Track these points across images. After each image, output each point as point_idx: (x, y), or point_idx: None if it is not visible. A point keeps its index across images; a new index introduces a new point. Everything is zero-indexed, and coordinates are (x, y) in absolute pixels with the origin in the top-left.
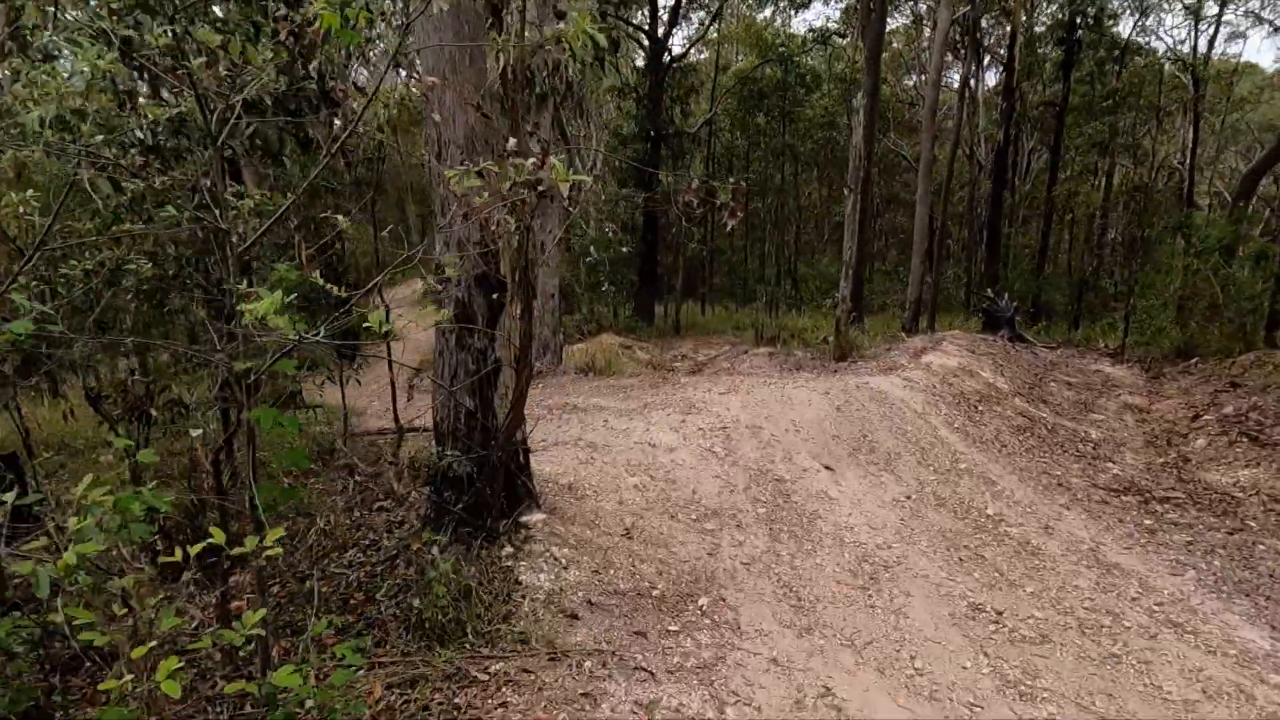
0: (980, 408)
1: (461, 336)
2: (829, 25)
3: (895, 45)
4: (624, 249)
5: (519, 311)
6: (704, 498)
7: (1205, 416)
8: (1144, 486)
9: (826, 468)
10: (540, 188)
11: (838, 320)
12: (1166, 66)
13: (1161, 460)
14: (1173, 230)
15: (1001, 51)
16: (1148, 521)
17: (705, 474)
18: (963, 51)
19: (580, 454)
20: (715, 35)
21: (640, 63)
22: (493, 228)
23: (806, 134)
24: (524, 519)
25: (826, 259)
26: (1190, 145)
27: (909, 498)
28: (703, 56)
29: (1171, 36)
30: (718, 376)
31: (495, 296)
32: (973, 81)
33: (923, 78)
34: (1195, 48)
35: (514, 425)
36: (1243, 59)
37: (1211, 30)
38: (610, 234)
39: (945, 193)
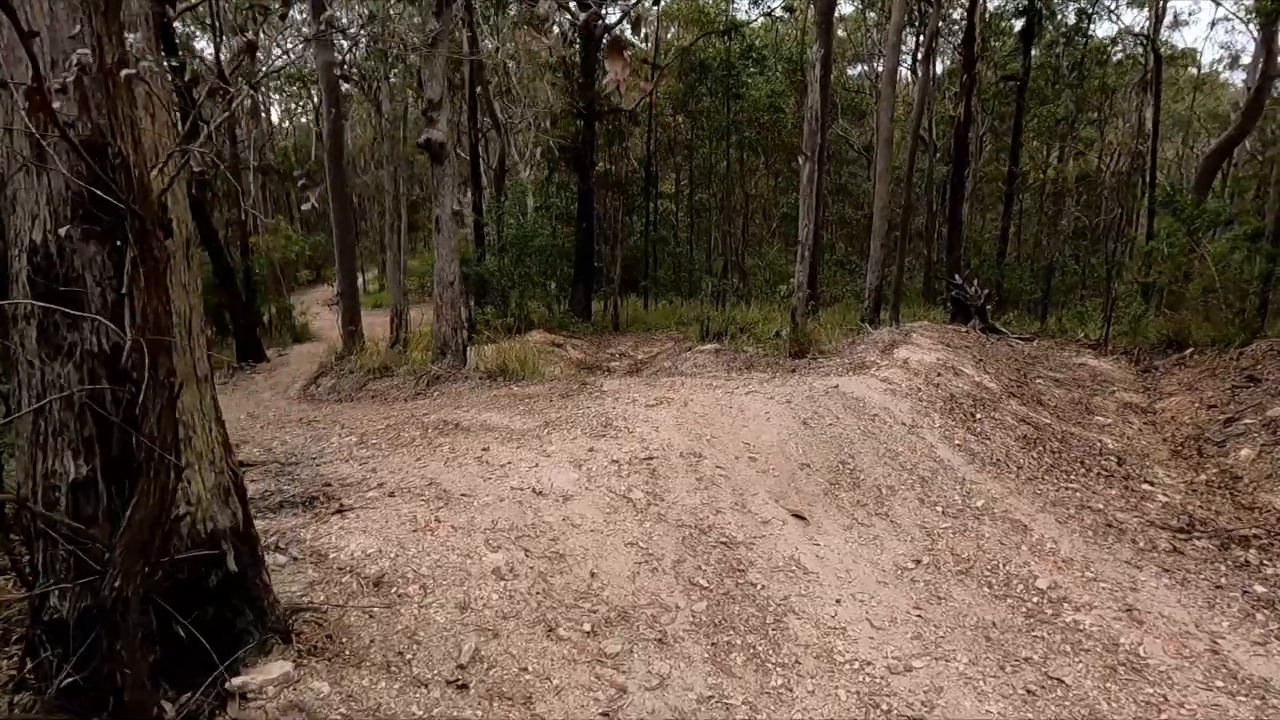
0: (977, 415)
1: (49, 327)
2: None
3: (842, 33)
4: (554, 240)
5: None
6: (608, 585)
7: (1244, 420)
8: (1207, 520)
9: (796, 516)
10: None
11: (793, 310)
12: (1118, 48)
13: (1203, 479)
14: (1165, 206)
15: (959, 17)
16: (1258, 588)
17: (614, 540)
18: (918, 22)
19: (421, 511)
20: (654, 8)
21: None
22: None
23: (753, 117)
24: (244, 679)
25: (775, 250)
26: (1152, 123)
27: (919, 562)
28: (640, 37)
29: (1122, 20)
30: (656, 379)
31: (123, 244)
32: (925, 54)
33: (868, 67)
34: (1157, 15)
35: (149, 525)
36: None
37: (1161, 5)
38: (541, 216)
39: (910, 169)
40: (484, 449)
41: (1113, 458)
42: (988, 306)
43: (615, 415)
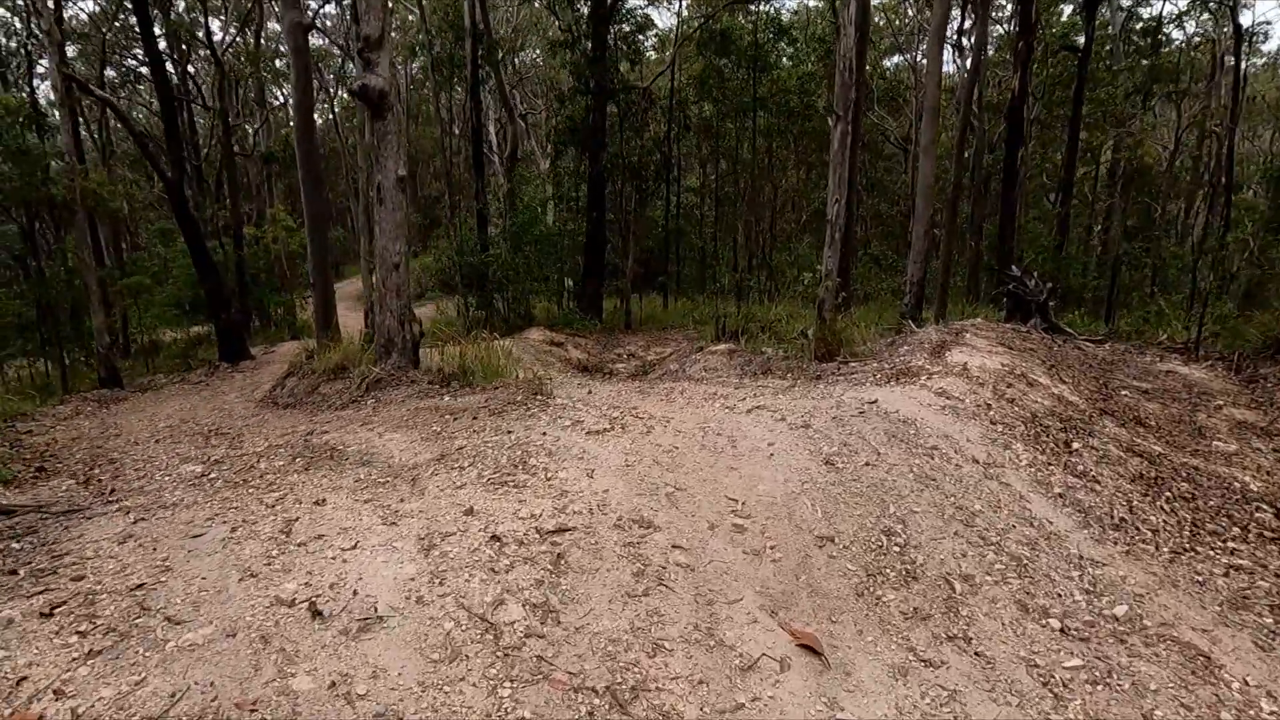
0: (1073, 444)
1: None
2: None
3: (877, 20)
4: (558, 231)
5: None
6: None
7: None
8: None
9: (806, 647)
10: None
11: (820, 303)
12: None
13: None
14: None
15: None
16: None
17: None
18: None
19: (63, 656)
20: None
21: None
22: None
23: (782, 100)
24: None
25: (804, 245)
26: (1231, 100)
27: None
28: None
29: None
30: (653, 385)
31: None
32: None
33: (906, 58)
34: None
35: None
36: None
37: None
38: (551, 205)
39: (961, 140)
40: (318, 502)
41: (1266, 507)
42: (1050, 303)
43: (541, 445)
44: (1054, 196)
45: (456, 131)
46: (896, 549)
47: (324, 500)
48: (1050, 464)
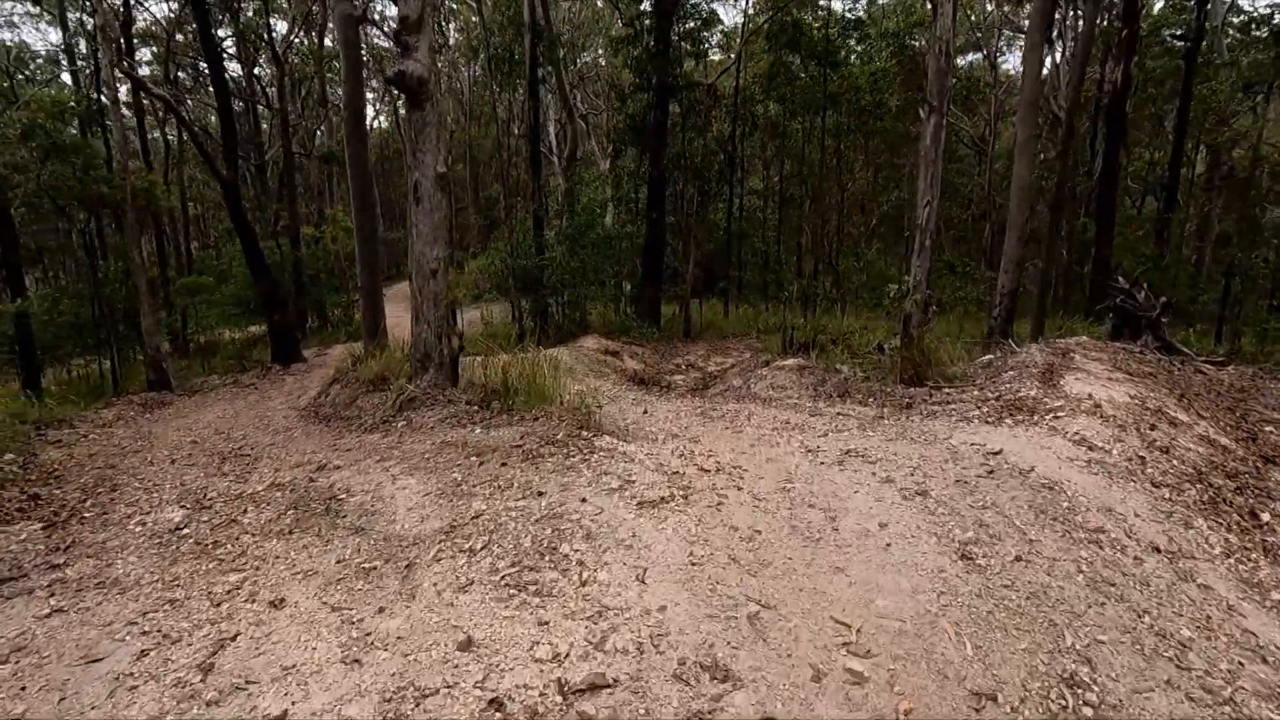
0: (1259, 513)
1: None
2: None
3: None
4: (617, 233)
5: None
6: None
7: None
8: None
9: None
10: None
11: (906, 318)
12: None
13: None
14: None
15: None
16: None
17: None
18: None
19: None
20: None
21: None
22: None
23: (852, 98)
24: None
25: (874, 251)
26: None
27: None
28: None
29: None
30: (715, 406)
31: None
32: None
33: (983, 55)
34: None
35: None
36: None
37: None
38: (610, 206)
39: (1069, 130)
40: (275, 603)
41: None
42: (1164, 319)
43: (578, 521)
44: (1139, 200)
45: (516, 132)
46: (1089, 712)
47: (283, 601)
48: (1247, 549)
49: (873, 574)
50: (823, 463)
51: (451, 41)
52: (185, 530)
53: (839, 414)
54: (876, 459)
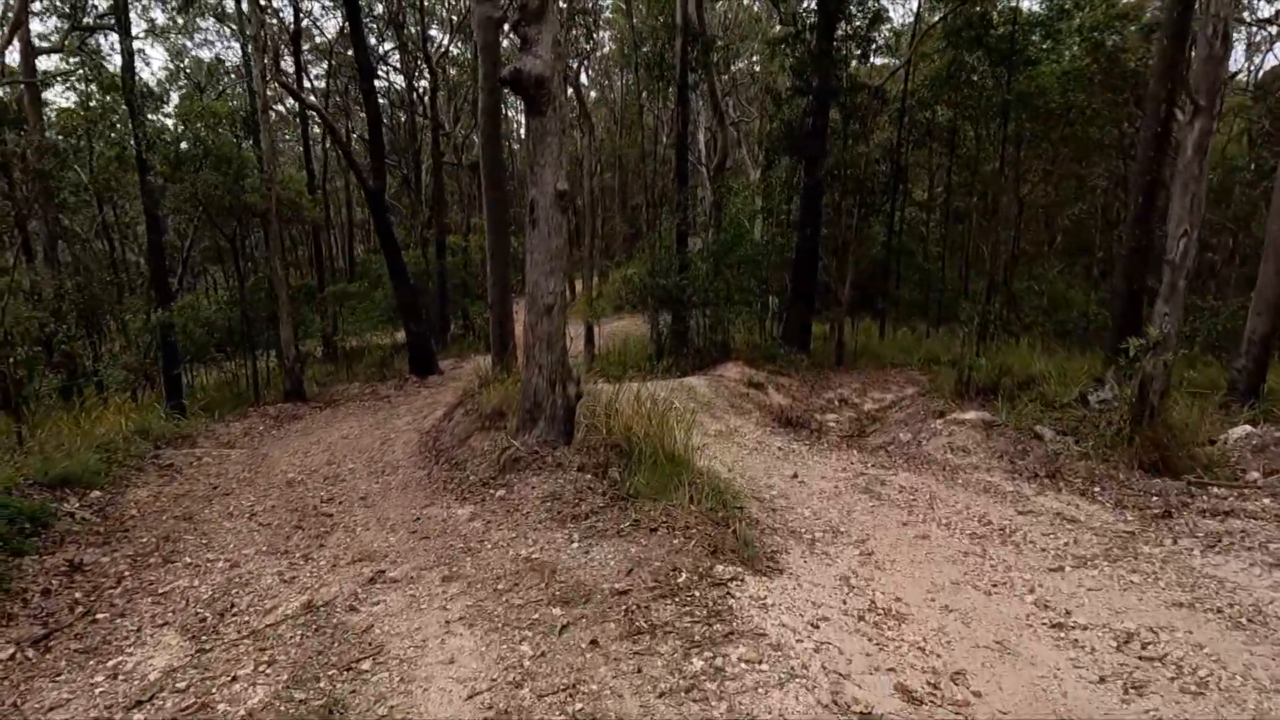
0: None
1: None
2: None
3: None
4: (765, 250)
5: None
6: None
7: None
8: None
9: None
10: None
11: (1144, 384)
12: None
13: None
14: None
15: None
16: None
17: None
18: None
19: None
20: None
21: None
22: None
23: (1040, 101)
24: None
25: (1055, 271)
26: None
27: None
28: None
29: None
30: (881, 480)
31: None
32: None
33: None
34: None
35: None
36: None
37: None
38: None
39: None
40: None
41: None
42: None
43: None
44: None
45: (664, 140)
46: None
47: None
48: None
49: None
50: (1101, 677)
51: (607, 50)
52: (156, 697)
53: (1061, 516)
54: (1183, 665)
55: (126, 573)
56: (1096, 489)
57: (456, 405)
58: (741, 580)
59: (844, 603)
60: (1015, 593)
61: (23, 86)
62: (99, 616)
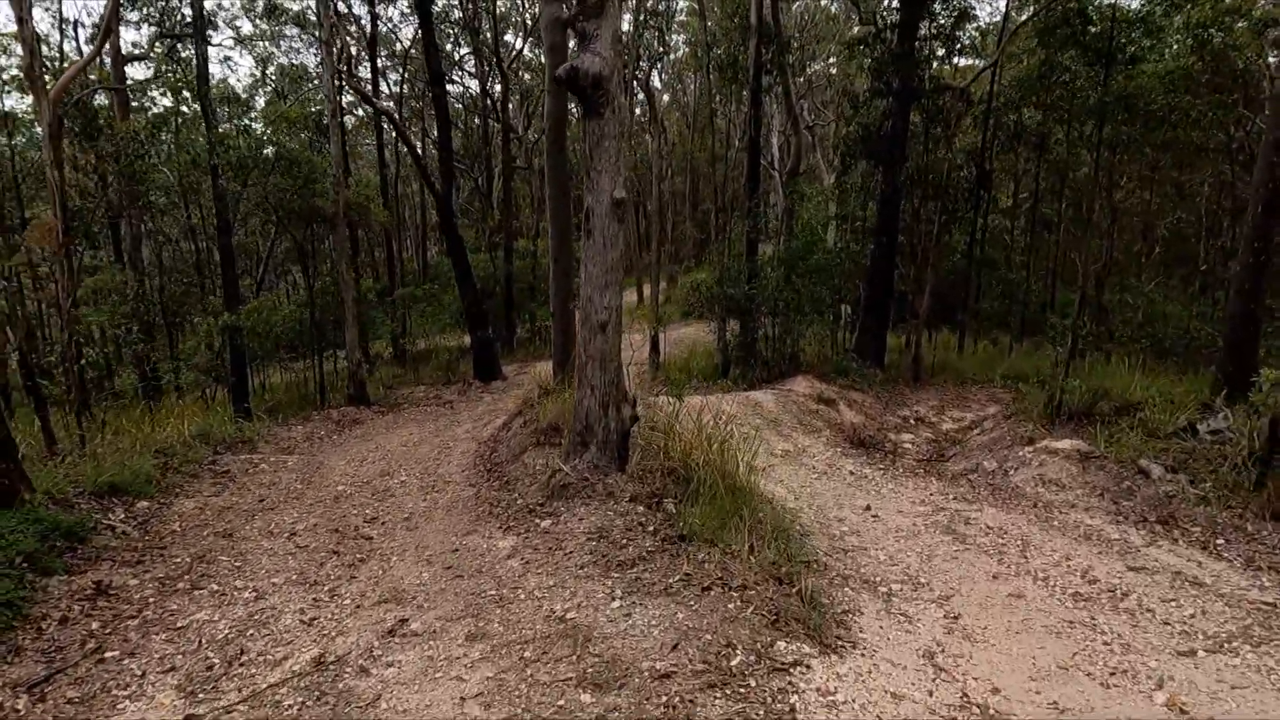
0: None
1: None
2: None
3: None
4: (838, 258)
5: None
6: None
7: None
8: None
9: None
10: None
11: (1274, 421)
12: None
13: None
14: None
15: None
16: None
17: None
18: None
19: None
20: None
21: None
22: None
23: (1140, 102)
24: None
25: (1152, 284)
26: None
27: None
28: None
29: None
30: (964, 516)
31: None
32: None
33: None
34: None
35: None
36: None
37: None
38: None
39: None
40: None
41: None
42: None
43: None
44: None
45: (736, 144)
46: None
47: None
48: None
49: None
50: None
51: (680, 54)
52: None
53: (1181, 576)
54: None
55: (151, 598)
56: (1220, 541)
57: (516, 415)
58: (807, 666)
59: (930, 694)
60: (1139, 686)
61: (113, 94)
62: (107, 655)
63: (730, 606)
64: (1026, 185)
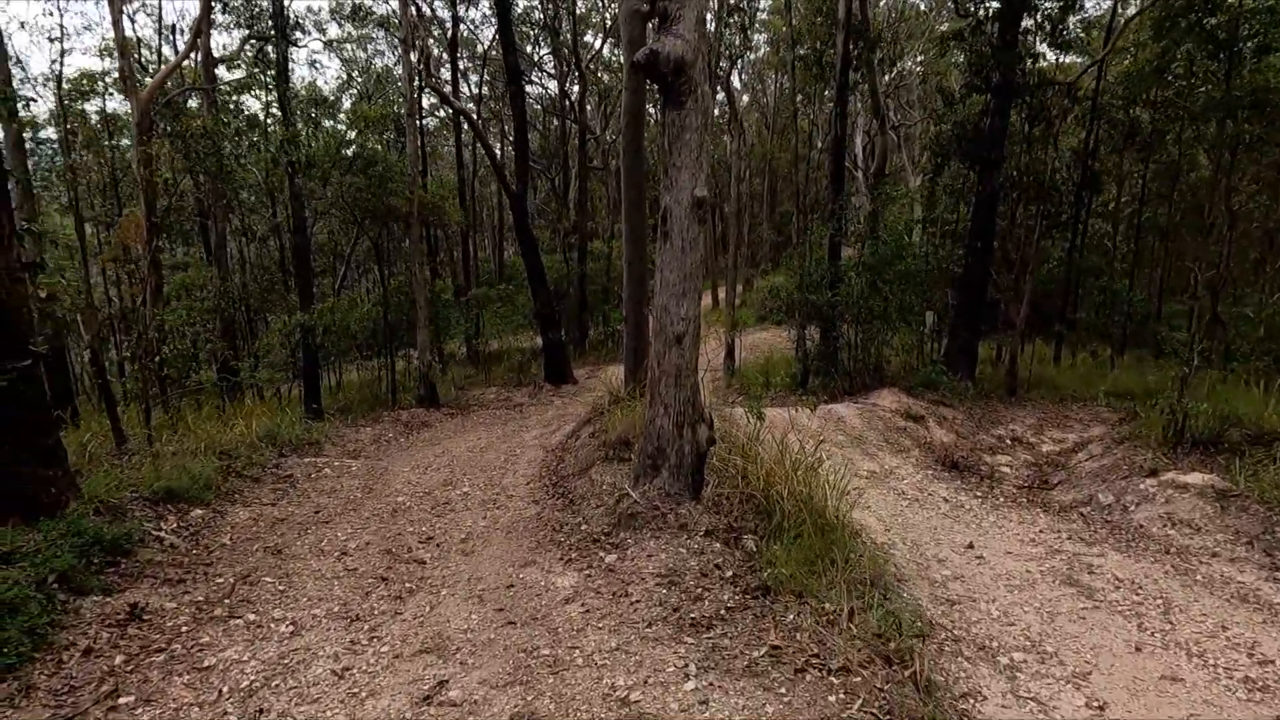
0: None
1: None
2: None
3: None
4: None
5: None
6: None
7: None
8: None
9: None
10: None
11: None
12: None
13: None
14: None
15: None
16: None
17: None
18: None
19: None
20: None
21: None
22: None
23: (1264, 99)
24: None
25: (1277, 296)
26: None
27: None
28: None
29: None
30: (1083, 562)
31: None
32: None
33: None
34: None
35: None
36: None
37: None
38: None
39: None
40: None
41: None
42: None
43: None
44: None
45: (819, 145)
46: None
47: None
48: None
49: None
50: None
51: (761, 53)
52: None
53: None
54: None
55: (184, 627)
56: None
57: (585, 423)
58: None
59: None
60: None
61: (204, 94)
62: (121, 701)
63: (832, 700)
64: (1129, 188)
